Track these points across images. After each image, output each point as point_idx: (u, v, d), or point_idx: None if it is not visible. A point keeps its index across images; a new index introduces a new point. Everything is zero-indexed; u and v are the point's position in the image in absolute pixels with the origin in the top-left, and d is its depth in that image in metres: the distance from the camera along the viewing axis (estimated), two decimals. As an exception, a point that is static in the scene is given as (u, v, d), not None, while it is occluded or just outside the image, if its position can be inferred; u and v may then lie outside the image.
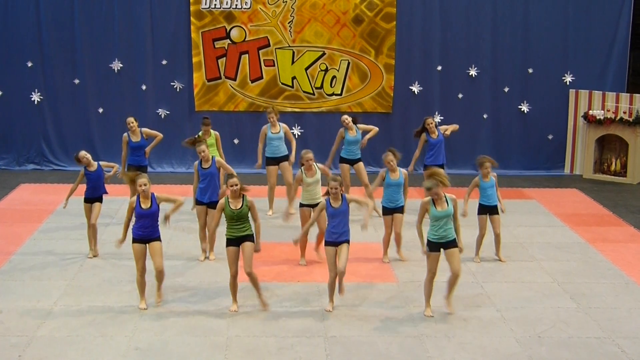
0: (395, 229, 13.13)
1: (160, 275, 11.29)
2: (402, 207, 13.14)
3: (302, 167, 13.01)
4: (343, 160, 15.81)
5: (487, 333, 10.65)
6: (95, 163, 13.47)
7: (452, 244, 10.98)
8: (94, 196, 13.37)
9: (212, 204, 12.91)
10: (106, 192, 13.58)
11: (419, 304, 11.50)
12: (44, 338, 10.27)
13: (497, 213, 13.21)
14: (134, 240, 11.11)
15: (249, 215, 11.11)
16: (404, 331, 10.66)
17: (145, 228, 11.08)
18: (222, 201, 11.09)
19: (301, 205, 13.08)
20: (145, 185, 11.08)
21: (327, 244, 11.18)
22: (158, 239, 11.21)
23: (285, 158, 15.67)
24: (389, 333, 10.59)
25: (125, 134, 15.17)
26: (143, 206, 11.07)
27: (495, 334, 10.64)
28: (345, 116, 15.76)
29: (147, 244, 11.12)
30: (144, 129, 15.32)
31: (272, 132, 15.55)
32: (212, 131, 15.36)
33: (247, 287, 11.59)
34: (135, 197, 11.19)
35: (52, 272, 12.59)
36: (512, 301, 11.73)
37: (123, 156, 15.18)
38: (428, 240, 10.99)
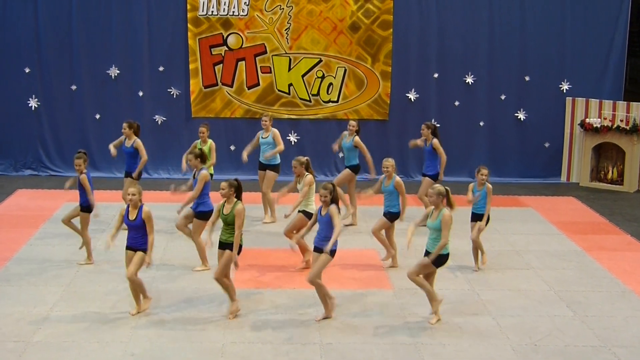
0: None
1: (131, 284, 11.18)
2: (393, 213, 13.17)
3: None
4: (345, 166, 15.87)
5: (483, 341, 10.65)
6: (84, 173, 13.16)
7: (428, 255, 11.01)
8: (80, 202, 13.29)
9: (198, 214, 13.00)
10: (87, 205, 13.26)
11: (415, 311, 11.52)
12: (40, 344, 10.26)
13: (482, 220, 13.22)
14: (126, 247, 11.16)
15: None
16: (400, 339, 10.66)
17: (132, 239, 11.10)
18: (220, 203, 11.10)
19: (299, 210, 13.13)
20: (134, 195, 11.03)
21: (314, 249, 11.31)
22: (144, 250, 11.13)
23: (272, 167, 15.71)
24: (385, 340, 10.59)
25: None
26: (130, 217, 11.04)
27: (491, 342, 10.63)
28: (353, 122, 15.81)
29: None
30: (137, 140, 15.08)
31: (262, 137, 15.65)
32: (209, 140, 15.43)
33: (243, 294, 11.63)
34: (126, 205, 11.17)
35: (48, 278, 12.58)
36: (508, 309, 11.73)
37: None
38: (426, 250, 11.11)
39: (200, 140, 15.39)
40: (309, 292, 12.10)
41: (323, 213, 11.15)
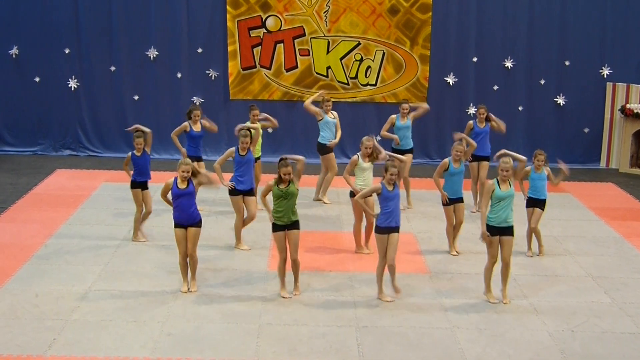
0: (457, 218, 13.20)
1: (191, 261, 11.44)
2: (462, 197, 13.20)
3: (360, 153, 13.09)
4: (394, 150, 15.52)
5: (519, 326, 10.61)
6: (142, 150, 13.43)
7: (509, 230, 11.15)
8: (140, 181, 13.44)
9: (249, 192, 13.02)
10: (149, 178, 13.57)
11: (451, 295, 11.51)
12: (78, 322, 10.37)
13: (543, 208, 13.13)
14: (175, 225, 11.27)
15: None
16: (436, 322, 10.65)
17: (181, 212, 11.18)
18: (271, 182, 11.21)
19: (352, 194, 13.07)
20: (188, 172, 11.18)
21: (377, 230, 11.27)
22: (195, 225, 11.31)
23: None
24: (421, 324, 10.58)
25: (186, 122, 15.19)
26: (180, 186, 11.17)
27: (527, 327, 10.59)
28: (406, 105, 15.77)
29: (186, 229, 11.24)
30: (204, 120, 15.28)
31: (329, 117, 15.85)
32: (258, 122, 15.31)
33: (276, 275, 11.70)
34: (173, 179, 11.28)
35: (86, 257, 12.71)
36: (546, 295, 11.67)
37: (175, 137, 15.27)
38: (487, 225, 11.13)
39: (249, 121, 15.22)
40: (346, 275, 12.14)
41: (391, 189, 11.16)
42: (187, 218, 11.19)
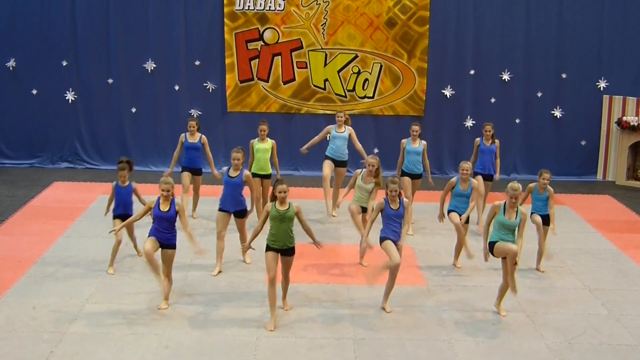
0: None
1: (168, 283, 11.37)
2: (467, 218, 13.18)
3: (363, 170, 13.12)
4: (404, 173, 15.12)
5: (516, 338, 10.61)
6: (128, 182, 12.77)
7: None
8: (123, 213, 12.78)
9: (236, 213, 12.74)
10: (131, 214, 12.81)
11: (449, 307, 11.52)
12: (75, 335, 10.36)
13: (548, 224, 13.14)
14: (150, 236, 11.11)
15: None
16: (433, 334, 10.65)
17: (160, 233, 11.05)
18: (268, 204, 10.83)
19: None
20: (169, 189, 11.05)
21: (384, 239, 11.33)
22: (173, 247, 11.20)
23: (343, 164, 15.75)
24: (418, 336, 10.59)
25: (182, 134, 15.25)
26: (162, 208, 11.05)
27: (525, 339, 10.60)
28: (416, 127, 15.10)
29: (161, 249, 11.13)
30: (204, 137, 15.26)
31: (337, 131, 15.71)
32: (268, 139, 14.96)
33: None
34: (157, 198, 11.17)
35: (84, 270, 12.69)
36: (543, 307, 11.68)
37: (175, 155, 15.33)
38: (492, 243, 11.13)
39: (258, 138, 14.94)
40: (343, 287, 12.14)
41: (395, 208, 11.20)
42: (164, 240, 11.07)
